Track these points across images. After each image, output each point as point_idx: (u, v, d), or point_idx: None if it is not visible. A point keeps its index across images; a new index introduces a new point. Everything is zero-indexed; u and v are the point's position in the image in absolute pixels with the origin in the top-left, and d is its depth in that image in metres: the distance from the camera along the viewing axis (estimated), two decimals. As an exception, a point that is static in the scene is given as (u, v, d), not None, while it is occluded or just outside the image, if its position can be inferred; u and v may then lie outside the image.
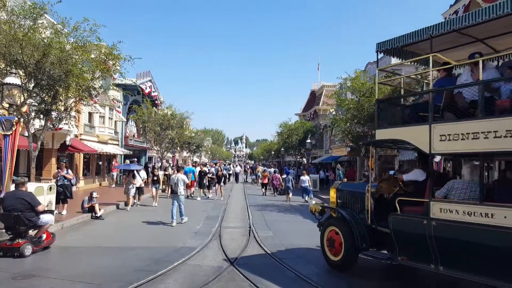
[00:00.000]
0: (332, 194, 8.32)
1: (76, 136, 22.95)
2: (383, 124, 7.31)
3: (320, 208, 8.48)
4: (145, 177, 18.51)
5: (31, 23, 10.76)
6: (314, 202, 13.06)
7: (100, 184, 26.85)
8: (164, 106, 34.41)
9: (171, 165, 30.06)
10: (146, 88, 34.20)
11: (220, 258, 8.20)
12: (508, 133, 5.18)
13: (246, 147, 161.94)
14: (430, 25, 6.37)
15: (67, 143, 20.79)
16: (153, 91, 36.48)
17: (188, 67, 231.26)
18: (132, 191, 15.73)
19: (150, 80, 35.85)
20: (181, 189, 12.56)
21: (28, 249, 7.92)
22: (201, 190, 22.15)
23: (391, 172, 12.82)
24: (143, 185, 17.34)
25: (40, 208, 8.36)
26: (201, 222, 12.84)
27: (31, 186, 9.73)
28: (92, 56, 12.44)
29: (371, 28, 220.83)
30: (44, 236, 8.51)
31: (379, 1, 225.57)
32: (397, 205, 6.50)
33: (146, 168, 24.53)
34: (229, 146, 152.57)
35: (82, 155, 24.36)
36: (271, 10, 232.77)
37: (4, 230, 8.27)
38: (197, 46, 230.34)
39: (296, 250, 9.22)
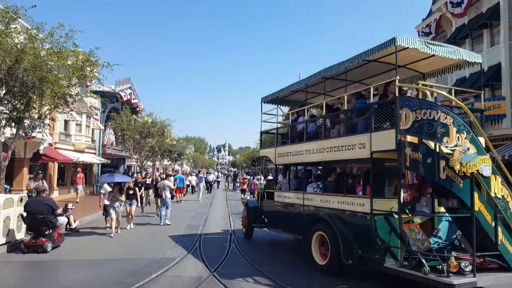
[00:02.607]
0: (256, 192, 13.10)
1: (50, 144, 22.59)
2: (263, 147, 13.39)
3: (245, 200, 12.99)
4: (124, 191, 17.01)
5: (3, 28, 10.66)
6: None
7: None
8: (144, 114, 34.24)
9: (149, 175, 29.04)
10: (125, 95, 33.92)
11: (200, 268, 8.21)
12: (313, 151, 9.03)
13: (229, 154, 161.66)
14: (303, 78, 9.89)
15: (41, 152, 20.44)
16: (133, 98, 36.23)
17: (170, 73, 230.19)
18: (119, 211, 12.49)
19: (130, 87, 35.61)
20: (166, 194, 14.42)
21: (49, 246, 9.56)
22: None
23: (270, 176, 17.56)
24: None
25: (58, 211, 10.11)
26: (181, 232, 12.82)
27: (-1, 198, 9.71)
28: (69, 62, 12.38)
29: (350, 40, 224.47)
30: (56, 235, 10.04)
31: (356, 14, 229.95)
32: (265, 194, 11.53)
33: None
34: (211, 154, 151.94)
35: (56, 164, 24.00)
36: (255, 15, 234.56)
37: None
38: (180, 52, 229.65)
39: (276, 257, 9.36)
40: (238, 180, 39.60)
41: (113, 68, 13.01)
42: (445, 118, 6.10)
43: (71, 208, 13.04)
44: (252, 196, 25.78)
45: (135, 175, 22.64)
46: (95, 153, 30.14)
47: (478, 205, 6.09)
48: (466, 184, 6.04)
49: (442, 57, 7.41)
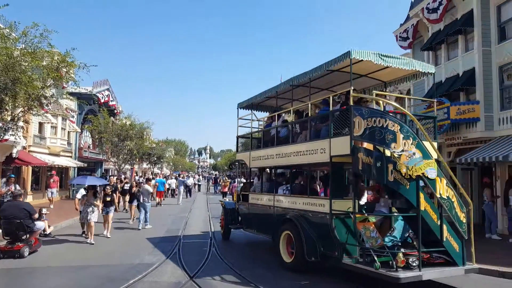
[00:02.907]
0: (235, 195, 13.49)
1: (24, 148, 21.98)
2: (239, 151, 13.52)
3: (223, 203, 13.40)
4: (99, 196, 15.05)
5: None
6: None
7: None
8: (123, 116, 33.74)
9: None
10: (103, 97, 33.36)
11: (179, 273, 8.14)
12: (282, 155, 9.69)
13: (210, 157, 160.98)
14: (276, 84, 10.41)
15: (14, 155, 19.83)
16: (111, 100, 35.65)
17: (150, 76, 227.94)
18: (94, 216, 11.66)
19: (108, 89, 35.05)
20: (145, 198, 14.51)
21: (26, 251, 9.48)
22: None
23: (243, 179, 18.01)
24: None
25: (35, 216, 10.09)
26: (161, 236, 12.68)
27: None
28: (44, 63, 12.10)
29: (330, 42, 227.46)
30: (33, 240, 9.96)
31: (335, 17, 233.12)
32: (241, 196, 12.10)
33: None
34: (192, 157, 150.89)
35: (30, 168, 23.36)
36: (237, 15, 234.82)
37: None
38: (160, 54, 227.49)
39: (257, 260, 9.38)
40: (219, 183, 39.61)
41: (90, 69, 12.81)
42: (393, 125, 6.73)
43: (46, 213, 12.71)
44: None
45: (111, 177, 21.86)
46: (71, 157, 29.52)
47: (424, 205, 6.71)
48: (412, 186, 6.64)
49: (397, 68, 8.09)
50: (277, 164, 10.27)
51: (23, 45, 11.48)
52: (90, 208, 11.55)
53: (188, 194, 32.28)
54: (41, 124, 24.54)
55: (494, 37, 14.04)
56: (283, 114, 11.09)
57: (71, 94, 22.58)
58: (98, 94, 32.13)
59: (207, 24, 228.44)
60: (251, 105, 12.31)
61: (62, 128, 26.53)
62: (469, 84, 14.31)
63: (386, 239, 7.10)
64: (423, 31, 18.35)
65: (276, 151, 10.06)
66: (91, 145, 34.72)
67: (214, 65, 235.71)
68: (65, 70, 12.77)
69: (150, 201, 15.00)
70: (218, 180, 41.71)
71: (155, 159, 41.57)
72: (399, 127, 6.71)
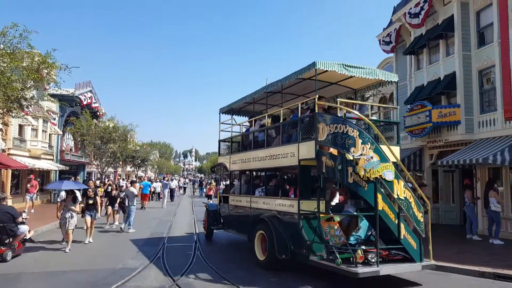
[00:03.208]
0: (218, 197, 13.97)
1: (3, 150, 21.52)
2: (221, 154, 13.41)
3: (206, 205, 13.94)
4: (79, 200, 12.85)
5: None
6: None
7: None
8: (106, 118, 33.34)
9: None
10: (85, 99, 32.92)
11: (163, 277, 8.07)
12: (258, 159, 10.16)
13: (195, 160, 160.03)
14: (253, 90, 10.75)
15: (-7, 158, 19.43)
16: (94, 102, 35.20)
17: (134, 77, 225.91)
18: (72, 224, 11.01)
19: (90, 91, 34.59)
20: (130, 201, 14.50)
21: (9, 255, 9.40)
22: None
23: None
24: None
25: (19, 219, 9.96)
26: (144, 240, 12.55)
27: None
28: (24, 64, 11.90)
29: (312, 46, 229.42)
30: (16, 244, 9.85)
31: (318, 20, 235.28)
32: (222, 198, 12.60)
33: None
34: (177, 160, 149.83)
35: (10, 171, 22.85)
36: (222, 17, 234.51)
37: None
38: (147, 57, 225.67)
39: (242, 263, 9.35)
40: (204, 185, 39.56)
41: (77, 70, 12.66)
42: (353, 131, 7.28)
43: (25, 218, 12.44)
44: None
45: (90, 181, 20.65)
46: (52, 160, 29.01)
47: (382, 205, 7.21)
48: (370, 188, 7.13)
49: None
50: (253, 167, 10.73)
51: (2, 46, 11.26)
52: (69, 214, 10.92)
53: (171, 198, 31.16)
54: (21, 127, 24.07)
55: (474, 42, 14.38)
56: (263, 119, 11.27)
57: (53, 95, 22.22)
58: (80, 96, 31.70)
59: (192, 27, 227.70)
60: (231, 110, 12.74)
61: (43, 131, 26.06)
62: (450, 88, 14.60)
63: (352, 238, 7.66)
64: (405, 36, 18.66)
65: (253, 155, 10.58)
66: (73, 148, 34.20)
67: (199, 68, 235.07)
68: (46, 71, 12.57)
69: (135, 204, 14.97)
70: (204, 183, 41.63)
71: (139, 162, 41.25)
72: (358, 133, 7.26)
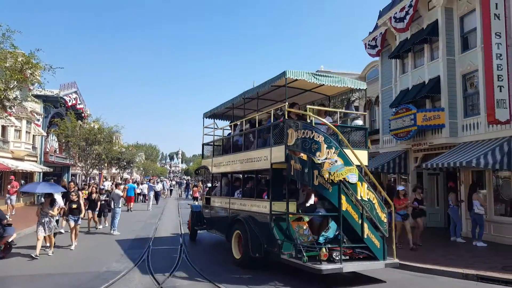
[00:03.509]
0: (203, 198, 14.32)
1: (-15, 152, 21.11)
2: (204, 157, 13.86)
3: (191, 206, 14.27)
4: (61, 204, 12.17)
5: None
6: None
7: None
8: (91, 120, 32.97)
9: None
10: (70, 100, 32.49)
11: (147, 280, 8.00)
12: (236, 162, 10.76)
13: (182, 162, 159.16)
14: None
15: (-25, 160, 19.02)
16: (79, 103, 34.78)
17: (119, 78, 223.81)
18: (52, 227, 10.49)
19: (75, 92, 34.18)
20: (116, 203, 14.62)
21: None
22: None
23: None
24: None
25: (5, 221, 9.93)
26: (129, 243, 12.42)
27: None
28: (7, 64, 11.69)
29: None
30: (2, 246, 9.90)
31: (308, 22, 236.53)
32: (205, 200, 13.12)
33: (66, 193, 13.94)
34: (164, 162, 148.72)
35: (-7, 173, 22.42)
36: (209, 18, 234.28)
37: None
38: (133, 59, 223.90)
39: (228, 266, 9.32)
40: (191, 188, 39.86)
41: (55, 71, 12.48)
42: (318, 137, 7.71)
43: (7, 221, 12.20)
44: None
45: (70, 183, 19.22)
46: (36, 161, 28.54)
47: (345, 206, 7.67)
48: (334, 189, 7.61)
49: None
50: (232, 170, 11.25)
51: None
52: (46, 219, 10.30)
53: (156, 200, 30.61)
54: (4, 127, 23.63)
55: (458, 46, 14.62)
56: (240, 124, 11.60)
57: (37, 96, 21.86)
58: (65, 97, 31.28)
59: (179, 30, 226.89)
60: (214, 114, 13.19)
61: (26, 132, 25.64)
62: (434, 91, 14.81)
63: (321, 237, 8.10)
64: (391, 40, 18.88)
65: (232, 158, 11.15)
66: (57, 150, 33.71)
67: (186, 70, 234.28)
68: (30, 71, 12.38)
69: (120, 206, 15.02)
70: (190, 185, 41.83)
71: (125, 164, 40.84)
72: (323, 138, 7.71)
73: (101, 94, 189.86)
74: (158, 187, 33.21)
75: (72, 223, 11.56)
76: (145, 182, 37.98)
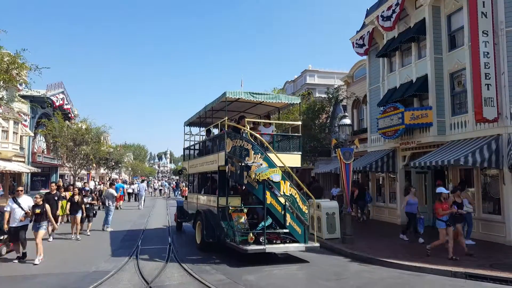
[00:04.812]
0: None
1: (-29, 153, 20.65)
2: (184, 160, 16.66)
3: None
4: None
5: None
6: None
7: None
8: (78, 120, 32.56)
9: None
10: (57, 100, 32.03)
11: (136, 280, 7.83)
12: (201, 164, 13.12)
13: (170, 162, 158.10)
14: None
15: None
16: (66, 104, 34.31)
17: (106, 78, 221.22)
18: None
19: (62, 92, 33.70)
20: (110, 202, 15.59)
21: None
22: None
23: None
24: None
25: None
26: (118, 242, 12.22)
27: None
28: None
29: (291, 48, 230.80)
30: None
31: (300, 23, 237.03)
32: (187, 196, 15.31)
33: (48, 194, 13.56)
34: (152, 162, 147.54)
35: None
36: (198, 17, 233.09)
37: None
38: (120, 57, 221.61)
39: (218, 264, 9.22)
40: (180, 187, 40.53)
41: (42, 71, 12.24)
42: (247, 145, 9.55)
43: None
44: None
45: (51, 184, 15.76)
46: (24, 162, 28.07)
47: (270, 200, 9.64)
48: (260, 187, 9.50)
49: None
50: (198, 171, 13.59)
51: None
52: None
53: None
54: (-10, 128, 23.16)
55: (445, 45, 14.64)
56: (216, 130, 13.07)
57: (23, 97, 21.51)
58: (52, 97, 30.83)
59: (167, 28, 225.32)
60: (193, 122, 15.01)
61: (14, 132, 25.23)
62: (422, 90, 14.83)
63: (260, 225, 10.04)
64: (378, 38, 18.88)
65: (199, 161, 13.41)
66: (45, 150, 33.21)
67: (172, 69, 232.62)
68: (16, 72, 12.14)
69: (114, 204, 16.12)
70: (180, 185, 42.57)
71: (113, 164, 40.42)
72: (251, 146, 9.51)
73: (87, 91, 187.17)
74: (142, 186, 30.98)
75: (34, 232, 9.69)
76: (135, 182, 37.78)
